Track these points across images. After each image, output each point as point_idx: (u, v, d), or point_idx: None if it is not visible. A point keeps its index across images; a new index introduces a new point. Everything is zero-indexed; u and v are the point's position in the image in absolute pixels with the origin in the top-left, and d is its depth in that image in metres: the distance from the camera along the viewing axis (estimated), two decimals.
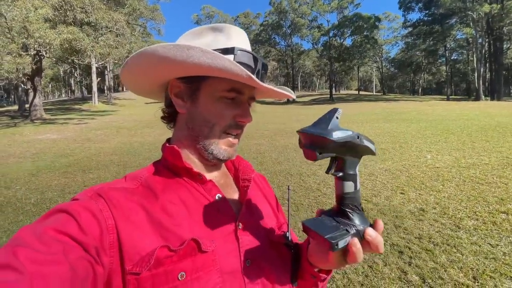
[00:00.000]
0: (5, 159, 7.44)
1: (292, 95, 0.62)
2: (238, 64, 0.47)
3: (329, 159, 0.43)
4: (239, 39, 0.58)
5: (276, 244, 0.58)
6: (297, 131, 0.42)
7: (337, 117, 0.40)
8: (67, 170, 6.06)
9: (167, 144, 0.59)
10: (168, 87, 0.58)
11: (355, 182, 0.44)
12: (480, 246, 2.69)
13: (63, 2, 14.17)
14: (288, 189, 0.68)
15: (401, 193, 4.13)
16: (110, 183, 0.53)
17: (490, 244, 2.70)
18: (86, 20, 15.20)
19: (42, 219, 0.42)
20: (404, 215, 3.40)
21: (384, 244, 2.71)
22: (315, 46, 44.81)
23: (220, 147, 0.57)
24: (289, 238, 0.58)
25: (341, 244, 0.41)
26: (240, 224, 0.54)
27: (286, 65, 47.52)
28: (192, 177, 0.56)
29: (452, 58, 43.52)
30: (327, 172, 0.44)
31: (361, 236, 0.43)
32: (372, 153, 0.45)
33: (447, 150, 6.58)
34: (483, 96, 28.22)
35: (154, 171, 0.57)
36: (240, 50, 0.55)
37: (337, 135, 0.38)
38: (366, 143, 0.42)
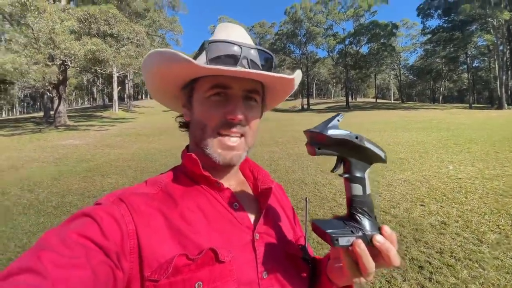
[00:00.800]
0: (30, 163, 7.82)
1: (291, 76, 0.55)
2: (177, 53, 0.48)
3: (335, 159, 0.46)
4: (223, 33, 0.58)
5: (293, 257, 0.56)
6: (303, 131, 0.46)
7: (338, 120, 0.43)
8: (87, 175, 6.27)
9: (186, 151, 0.60)
10: None
11: (363, 186, 0.45)
12: (502, 261, 2.54)
13: (88, 15, 14.99)
14: (306, 201, 0.66)
15: (421, 205, 3.96)
16: (132, 188, 0.53)
17: None
18: (109, 32, 15.96)
19: (66, 222, 0.43)
20: (424, 228, 3.25)
21: (403, 258, 2.60)
22: (331, 54, 44.64)
23: (215, 150, 0.54)
24: (307, 251, 0.56)
25: (342, 241, 0.42)
26: (258, 234, 0.54)
27: (301, 73, 47.50)
28: (210, 184, 0.55)
29: (473, 65, 42.00)
30: (332, 170, 0.46)
31: (368, 241, 0.43)
32: (380, 159, 0.45)
33: (470, 161, 6.28)
34: (506, 105, 26.91)
35: (173, 177, 0.57)
36: (211, 42, 0.53)
37: (332, 132, 0.41)
38: (369, 145, 0.43)
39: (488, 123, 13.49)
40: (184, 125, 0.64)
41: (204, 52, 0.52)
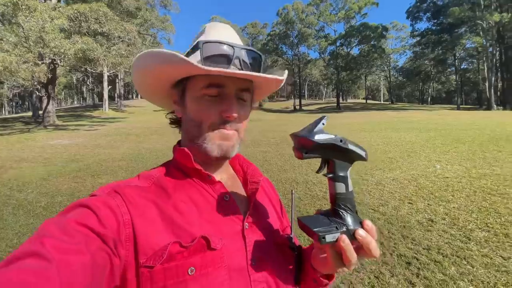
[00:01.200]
0: (18, 163, 7.64)
1: (281, 77, 0.59)
2: (176, 54, 0.49)
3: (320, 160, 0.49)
4: (214, 33, 0.59)
5: (281, 246, 0.59)
6: (290, 135, 0.49)
7: (323, 123, 0.45)
8: (77, 175, 6.18)
9: (178, 146, 0.62)
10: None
11: (346, 184, 0.48)
12: (491, 258, 2.61)
13: (78, 14, 14.73)
14: (292, 193, 0.70)
15: (409, 203, 4.06)
16: (125, 181, 0.55)
17: (502, 257, 2.62)
18: (99, 31, 15.72)
19: (64, 212, 0.45)
20: (412, 226, 3.34)
21: (391, 254, 2.66)
22: (322, 56, 45.13)
23: (214, 141, 0.56)
24: (293, 240, 0.60)
25: (329, 238, 0.44)
26: (247, 224, 0.56)
27: (293, 74, 47.82)
28: (202, 178, 0.58)
29: (462, 67, 43.03)
30: (317, 172, 0.49)
31: (351, 235, 0.46)
32: (362, 158, 0.48)
33: (457, 160, 6.46)
34: (495, 106, 27.70)
35: (165, 171, 0.59)
36: (205, 42, 0.54)
37: (319, 137, 0.43)
38: (352, 147, 0.46)
39: (476, 123, 13.85)
40: (175, 122, 0.66)
41: (198, 51, 0.54)
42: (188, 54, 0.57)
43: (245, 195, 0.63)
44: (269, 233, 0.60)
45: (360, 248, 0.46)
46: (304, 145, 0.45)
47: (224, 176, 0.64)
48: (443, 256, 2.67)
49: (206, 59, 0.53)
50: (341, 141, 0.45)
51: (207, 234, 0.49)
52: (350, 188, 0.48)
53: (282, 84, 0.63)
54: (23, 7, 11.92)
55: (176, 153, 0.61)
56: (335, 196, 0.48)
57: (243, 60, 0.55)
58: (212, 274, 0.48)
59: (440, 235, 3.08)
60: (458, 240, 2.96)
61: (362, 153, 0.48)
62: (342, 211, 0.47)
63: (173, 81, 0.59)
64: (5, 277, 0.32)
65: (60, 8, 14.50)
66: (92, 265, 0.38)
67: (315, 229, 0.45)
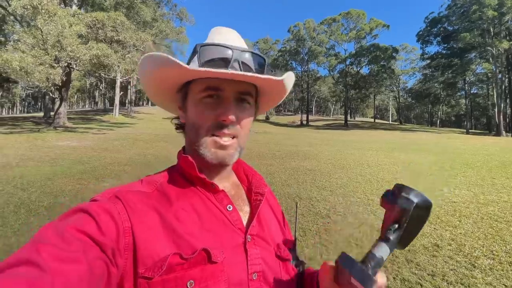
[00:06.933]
0: (25, 162, 7.75)
1: (279, 78, 0.56)
2: (168, 57, 0.48)
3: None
4: (217, 37, 0.59)
5: (283, 260, 0.58)
6: (396, 184, 0.47)
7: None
8: (82, 177, 6.22)
9: (183, 153, 0.60)
10: None
11: (391, 251, 0.45)
12: (495, 287, 2.52)
13: (96, 21, 15.31)
14: (296, 206, 0.68)
15: None
16: (128, 186, 0.54)
17: (505, 286, 2.53)
18: (116, 38, 16.26)
19: (63, 217, 0.44)
20: (416, 250, 3.23)
21: (394, 278, 2.57)
22: (332, 73, 45.58)
23: (209, 149, 0.54)
24: (296, 255, 0.58)
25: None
26: (249, 237, 0.54)
27: (302, 89, 48.29)
28: (205, 186, 0.56)
29: (472, 91, 42.84)
30: (384, 234, 0.45)
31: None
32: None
33: (466, 185, 6.31)
34: (504, 132, 27.32)
35: (169, 177, 0.58)
36: (202, 45, 0.54)
37: (419, 199, 0.43)
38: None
39: (485, 148, 13.63)
40: (180, 127, 0.65)
41: (196, 55, 0.53)
42: (189, 59, 0.57)
43: (249, 205, 0.62)
44: (272, 246, 0.58)
45: None
46: (402, 203, 0.43)
47: (227, 184, 0.62)
48: (448, 283, 2.56)
49: (205, 63, 0.53)
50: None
51: (208, 246, 0.48)
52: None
53: (290, 88, 0.61)
54: (43, 11, 12.45)
55: (181, 160, 0.60)
56: (375, 255, 0.43)
57: (243, 63, 0.54)
58: None
59: (445, 261, 2.97)
60: (464, 267, 2.85)
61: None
62: (374, 270, 0.42)
63: (175, 86, 0.59)
64: None
65: (80, 15, 15.12)
66: (89, 274, 0.37)
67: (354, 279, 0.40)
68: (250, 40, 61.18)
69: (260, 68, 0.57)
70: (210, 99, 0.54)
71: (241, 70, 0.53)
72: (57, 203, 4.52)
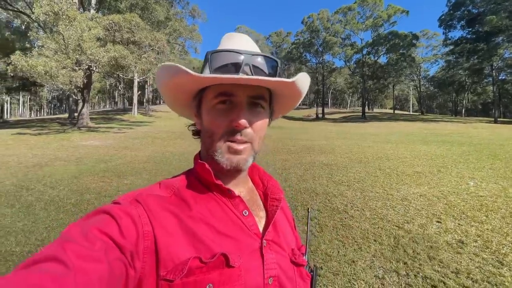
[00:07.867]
0: (53, 161, 8.20)
1: (290, 80, 0.55)
2: (178, 66, 0.50)
3: None
4: (228, 43, 0.60)
5: (298, 265, 0.59)
6: None
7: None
8: (105, 175, 6.50)
9: (199, 158, 0.61)
10: None
11: None
12: None
13: (113, 23, 15.75)
14: (308, 211, 0.68)
15: (438, 222, 3.81)
16: (147, 189, 0.56)
17: None
18: (132, 39, 16.67)
19: (87, 217, 0.46)
20: (440, 246, 3.12)
21: (416, 276, 2.51)
22: (348, 64, 44.27)
23: (223, 155, 0.55)
24: (308, 261, 0.58)
25: None
26: (265, 242, 0.55)
27: (317, 82, 47.39)
28: (222, 192, 0.57)
29: (500, 77, 40.19)
30: None
31: None
32: None
33: (493, 178, 5.99)
34: None
35: (186, 181, 0.59)
36: (213, 52, 0.54)
37: None
38: None
39: None
40: (197, 133, 0.66)
41: (208, 63, 0.55)
42: (202, 67, 0.58)
43: (264, 210, 0.62)
44: (287, 251, 0.59)
45: None
46: None
47: (243, 189, 0.63)
48: (473, 282, 2.46)
49: (217, 69, 0.54)
50: None
51: (226, 251, 0.49)
52: None
53: (305, 91, 0.61)
54: (64, 16, 12.96)
55: (197, 166, 0.60)
56: None
57: (255, 66, 0.54)
58: None
59: (471, 258, 2.86)
60: (490, 265, 2.73)
61: None
62: None
63: (190, 94, 0.61)
64: (22, 278, 0.34)
65: (97, 18, 15.61)
66: (109, 274, 0.39)
67: None
68: (262, 35, 60.72)
69: (273, 71, 0.57)
70: (222, 105, 0.55)
71: (252, 74, 0.53)
72: (83, 200, 4.77)
